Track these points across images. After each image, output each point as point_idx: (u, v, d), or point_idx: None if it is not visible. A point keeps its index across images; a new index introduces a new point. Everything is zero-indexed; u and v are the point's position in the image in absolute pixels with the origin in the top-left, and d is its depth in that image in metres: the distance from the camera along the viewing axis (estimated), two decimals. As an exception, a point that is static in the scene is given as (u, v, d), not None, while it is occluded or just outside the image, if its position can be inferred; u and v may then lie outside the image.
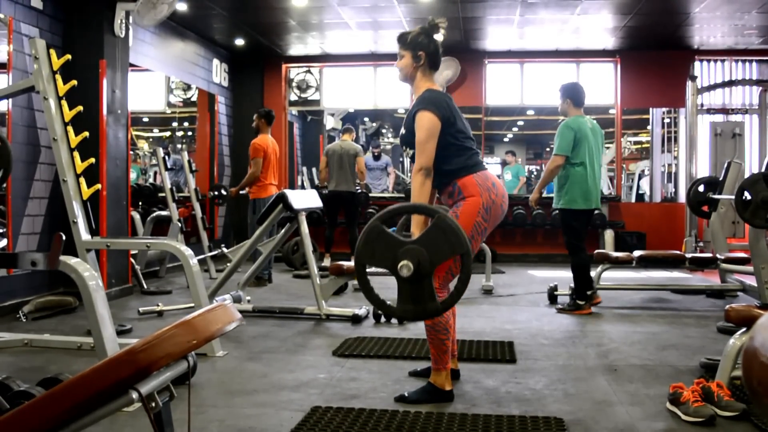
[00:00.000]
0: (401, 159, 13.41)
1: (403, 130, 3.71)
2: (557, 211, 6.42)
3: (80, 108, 4.85)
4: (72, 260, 3.66)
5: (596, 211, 6.97)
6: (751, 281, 6.55)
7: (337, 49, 10.72)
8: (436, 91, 3.64)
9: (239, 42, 10.27)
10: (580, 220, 6.08)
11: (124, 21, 6.82)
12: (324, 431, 3.02)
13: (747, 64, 10.70)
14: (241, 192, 8.36)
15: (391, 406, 3.39)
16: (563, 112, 6.19)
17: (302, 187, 12.14)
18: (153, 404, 1.79)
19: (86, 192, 4.81)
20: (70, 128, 4.80)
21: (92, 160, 4.90)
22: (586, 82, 10.74)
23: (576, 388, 3.75)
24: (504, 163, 13.32)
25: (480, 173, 3.54)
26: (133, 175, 9.80)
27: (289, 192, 5.87)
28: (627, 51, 10.59)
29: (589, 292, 6.11)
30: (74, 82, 4.86)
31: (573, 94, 6.14)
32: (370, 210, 10.38)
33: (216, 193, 9.55)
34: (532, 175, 14.89)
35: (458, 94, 10.87)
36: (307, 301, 6.20)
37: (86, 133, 4.86)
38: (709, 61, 10.72)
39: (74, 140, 4.79)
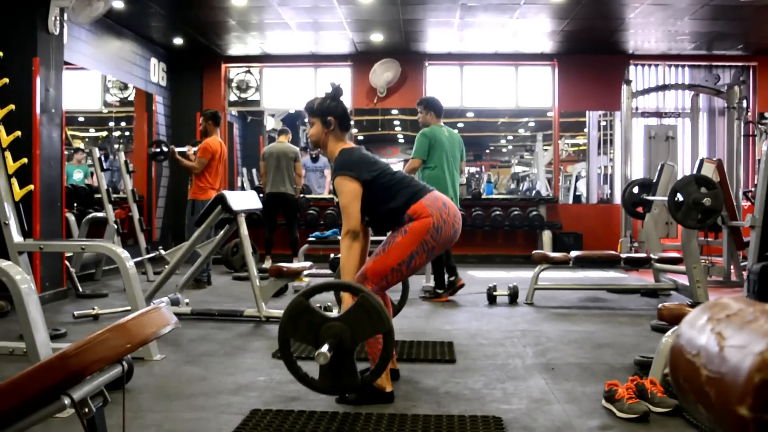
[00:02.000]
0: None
1: (335, 198, 3.78)
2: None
3: (12, 107, 4.72)
4: (3, 263, 3.56)
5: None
6: (683, 280, 6.72)
7: (278, 49, 10.66)
8: (348, 150, 3.67)
9: (178, 41, 10.13)
10: None
11: (58, 18, 6.67)
12: (263, 434, 3.00)
13: (680, 68, 11.00)
14: (179, 155, 8.07)
15: (332, 408, 3.38)
16: (425, 122, 6.81)
17: (242, 188, 12.03)
18: (86, 410, 1.76)
19: (18, 193, 4.69)
20: (1, 127, 4.66)
21: (24, 160, 4.77)
22: (524, 85, 11.02)
23: (514, 387, 3.80)
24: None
25: (428, 196, 3.57)
26: (80, 176, 9.58)
27: (228, 193, 5.82)
28: (564, 55, 10.77)
29: (452, 278, 6.89)
30: (6, 80, 4.72)
31: (434, 107, 6.82)
32: (310, 211, 10.35)
33: (157, 150, 9.17)
34: (474, 178, 15.02)
35: (399, 96, 10.93)
36: (247, 303, 6.15)
37: (18, 133, 4.72)
38: (643, 65, 10.99)
39: (5, 140, 4.65)
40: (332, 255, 8.17)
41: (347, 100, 10.74)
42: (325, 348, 2.86)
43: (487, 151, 16.12)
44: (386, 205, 3.56)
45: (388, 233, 3.67)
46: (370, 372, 3.09)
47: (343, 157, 3.62)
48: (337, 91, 3.80)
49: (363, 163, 3.59)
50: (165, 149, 9.08)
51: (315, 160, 11.69)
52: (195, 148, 7.92)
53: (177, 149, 8.11)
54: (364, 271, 3.50)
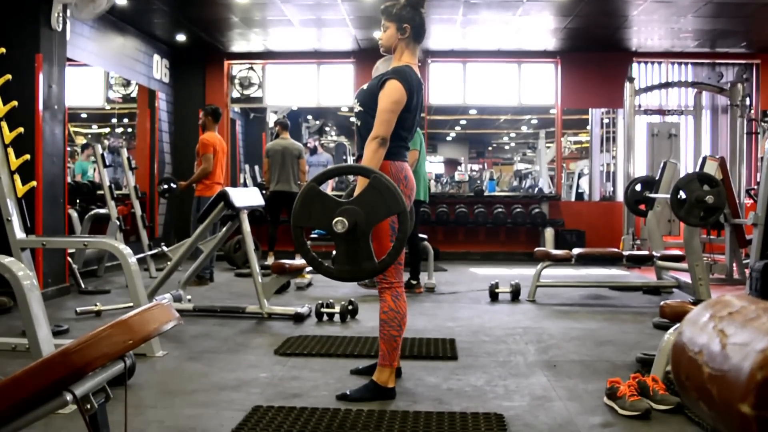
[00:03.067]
0: (344, 157, 13.39)
1: (364, 87, 3.60)
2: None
3: (15, 103, 4.71)
4: (6, 259, 3.57)
5: (424, 204, 7.48)
6: (685, 278, 6.73)
7: (280, 46, 10.66)
8: (414, 71, 3.56)
9: (180, 38, 10.13)
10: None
11: (61, 14, 6.67)
12: (265, 431, 3.00)
13: (683, 66, 10.98)
14: (187, 183, 8.08)
15: (333, 405, 3.38)
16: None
17: (244, 184, 12.03)
18: (88, 406, 1.76)
19: (21, 189, 4.69)
20: (4, 124, 4.66)
21: (27, 156, 4.77)
22: (527, 83, 11.00)
23: (516, 384, 3.80)
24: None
25: (397, 163, 3.47)
26: (89, 172, 9.60)
27: (230, 190, 5.82)
28: (567, 52, 10.76)
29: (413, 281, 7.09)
30: (8, 77, 4.72)
31: None
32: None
33: (165, 186, 9.27)
34: (478, 177, 15.02)
35: (401, 93, 10.89)
36: (249, 300, 6.15)
37: (21, 129, 4.72)
38: (646, 63, 10.97)
39: (8, 136, 4.65)
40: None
41: (348, 98, 10.73)
42: (341, 217, 2.81)
43: (490, 148, 16.13)
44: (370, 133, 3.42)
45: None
46: (387, 254, 2.99)
47: (409, 70, 3.50)
48: (418, 1, 3.60)
49: (415, 92, 3.47)
50: (174, 186, 9.12)
51: (314, 152, 11.71)
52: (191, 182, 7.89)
53: (184, 183, 8.13)
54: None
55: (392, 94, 3.39)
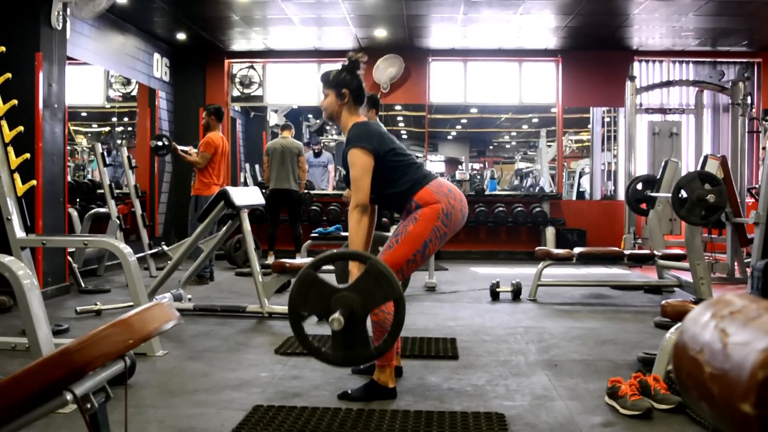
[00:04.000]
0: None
1: (343, 171, 3.73)
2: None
3: (15, 102, 4.71)
4: (6, 258, 3.57)
5: None
6: (687, 277, 6.72)
7: (281, 45, 10.65)
8: (362, 124, 3.65)
9: (181, 36, 10.13)
10: None
11: (61, 13, 6.67)
12: (266, 430, 3.00)
13: (684, 65, 10.98)
14: (181, 152, 8.01)
15: (334, 404, 3.38)
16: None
17: (245, 183, 12.04)
18: (88, 405, 1.76)
19: (21, 188, 4.68)
20: (4, 122, 4.66)
21: (27, 155, 4.77)
22: (528, 82, 11.00)
23: (517, 383, 3.79)
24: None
25: (433, 182, 3.54)
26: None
27: (230, 189, 5.82)
28: (568, 51, 10.75)
29: None
30: (8, 75, 4.72)
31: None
32: (314, 207, 10.35)
33: (159, 143, 9.04)
34: (478, 176, 15.02)
35: (402, 92, 10.92)
36: (250, 299, 6.15)
37: (21, 128, 4.72)
38: (647, 61, 10.97)
39: (8, 135, 4.65)
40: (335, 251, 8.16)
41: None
42: (337, 314, 2.83)
43: (491, 147, 16.13)
44: (392, 186, 3.54)
45: (398, 224, 3.65)
46: (383, 341, 3.02)
47: (357, 130, 3.59)
48: (354, 65, 3.73)
49: (376, 138, 3.57)
50: (167, 143, 8.97)
51: (318, 155, 11.70)
52: (196, 150, 7.88)
53: (179, 147, 8.05)
54: None
55: (356, 162, 3.51)
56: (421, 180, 3.53)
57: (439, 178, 3.64)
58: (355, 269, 3.32)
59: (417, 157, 3.75)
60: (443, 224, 3.47)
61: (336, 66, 3.82)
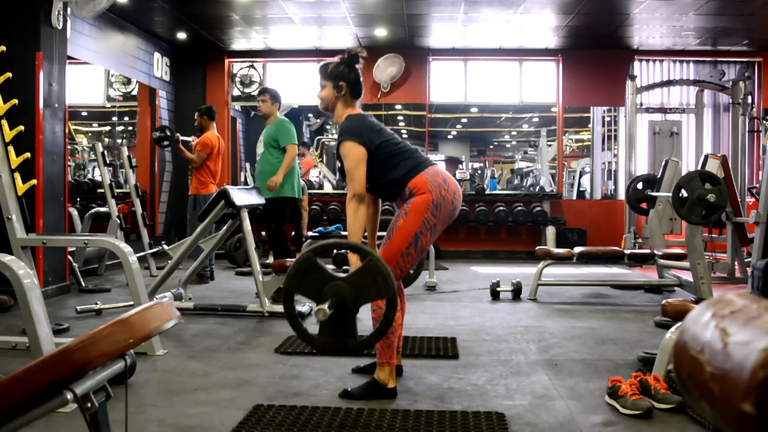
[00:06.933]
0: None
1: (338, 163, 3.73)
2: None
3: (15, 101, 4.71)
4: (6, 258, 3.56)
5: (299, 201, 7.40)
6: (687, 276, 6.72)
7: (281, 44, 10.65)
8: (355, 116, 3.67)
9: (181, 36, 10.13)
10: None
11: (61, 12, 6.67)
12: (266, 429, 3.00)
13: (684, 64, 10.97)
14: (182, 145, 8.03)
15: (334, 403, 3.38)
16: (270, 112, 6.86)
17: (245, 183, 12.03)
18: (89, 405, 1.76)
19: (21, 188, 4.69)
20: (4, 122, 4.66)
21: (27, 155, 4.77)
22: (528, 81, 11.00)
23: (517, 383, 3.79)
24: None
25: (429, 170, 3.55)
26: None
27: (231, 188, 5.82)
28: (569, 50, 10.75)
29: None
30: (9, 75, 4.72)
31: (280, 97, 6.97)
32: (314, 207, 10.35)
33: (161, 134, 9.00)
34: (477, 173, 15.01)
35: (402, 91, 10.92)
36: (250, 298, 6.16)
37: (21, 127, 4.72)
38: (648, 61, 10.96)
39: (8, 134, 4.65)
40: (335, 251, 8.16)
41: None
42: (325, 305, 2.83)
43: (491, 146, 16.10)
44: (387, 175, 3.56)
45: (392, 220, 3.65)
46: (370, 335, 3.03)
47: (350, 122, 3.62)
48: (352, 58, 3.75)
49: (369, 130, 3.59)
50: (169, 134, 8.93)
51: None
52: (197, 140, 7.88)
53: (182, 137, 8.03)
54: None
55: (349, 154, 3.54)
56: (416, 167, 3.55)
57: (436, 165, 3.63)
58: (354, 259, 3.33)
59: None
60: (432, 215, 3.48)
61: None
